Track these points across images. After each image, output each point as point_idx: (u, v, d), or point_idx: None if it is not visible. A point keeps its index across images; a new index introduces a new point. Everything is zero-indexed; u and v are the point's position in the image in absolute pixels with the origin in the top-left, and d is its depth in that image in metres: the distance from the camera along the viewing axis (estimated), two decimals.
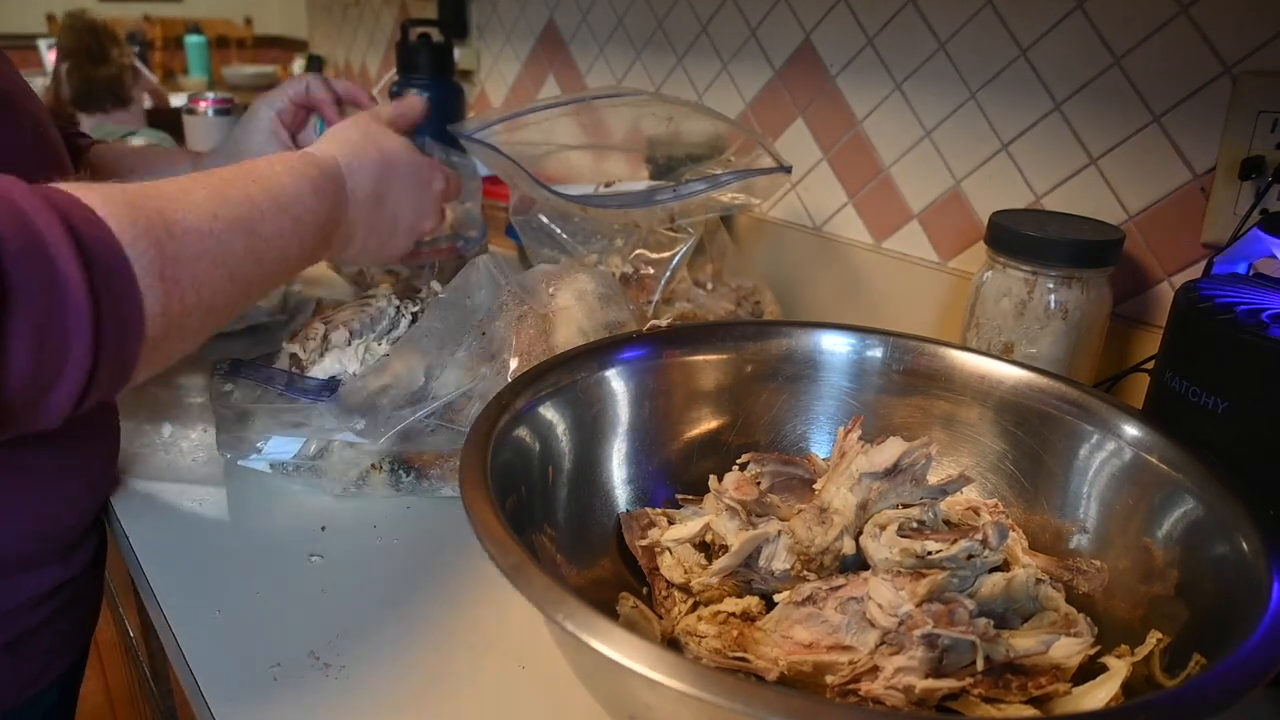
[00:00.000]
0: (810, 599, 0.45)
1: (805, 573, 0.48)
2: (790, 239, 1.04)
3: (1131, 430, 0.51)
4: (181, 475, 0.68)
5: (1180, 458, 0.48)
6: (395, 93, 1.26)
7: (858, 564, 0.48)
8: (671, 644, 0.47)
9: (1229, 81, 0.67)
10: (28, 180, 0.37)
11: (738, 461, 0.55)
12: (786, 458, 0.55)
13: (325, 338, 0.71)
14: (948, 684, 0.40)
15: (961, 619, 0.41)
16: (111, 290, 0.37)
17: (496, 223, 1.16)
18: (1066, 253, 0.67)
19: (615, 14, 1.23)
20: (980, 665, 0.40)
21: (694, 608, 0.49)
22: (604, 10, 1.25)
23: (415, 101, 0.73)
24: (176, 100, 2.38)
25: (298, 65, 2.31)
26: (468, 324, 0.64)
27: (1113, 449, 0.52)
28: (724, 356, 0.61)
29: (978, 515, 0.53)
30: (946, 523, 0.51)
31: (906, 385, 0.60)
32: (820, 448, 0.61)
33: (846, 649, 0.43)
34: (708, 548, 0.53)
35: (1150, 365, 0.63)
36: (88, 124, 2.27)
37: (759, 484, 0.53)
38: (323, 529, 0.62)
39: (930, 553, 0.46)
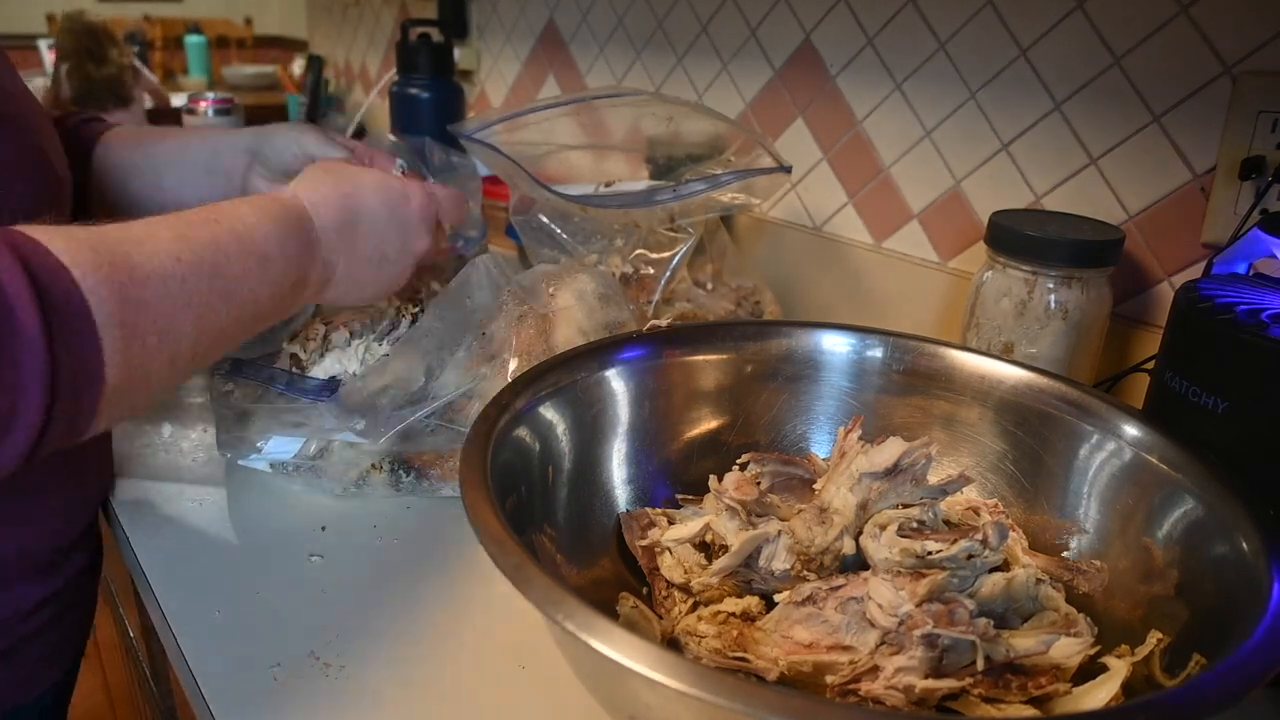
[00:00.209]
0: (810, 599, 0.45)
1: (805, 573, 0.48)
2: (790, 239, 1.04)
3: (1131, 430, 0.51)
4: (181, 475, 0.68)
5: (1180, 458, 0.48)
6: (395, 92, 1.26)
7: (858, 564, 0.48)
8: (671, 644, 0.47)
9: (1229, 81, 0.67)
10: (5, 193, 0.37)
11: (738, 461, 0.55)
12: (786, 458, 0.55)
13: (326, 338, 0.71)
14: (948, 684, 0.40)
15: (961, 619, 0.41)
16: (70, 338, 0.36)
17: (496, 223, 1.16)
18: (1066, 253, 0.67)
19: (615, 14, 1.23)
20: (980, 665, 0.40)
21: (694, 608, 0.49)
22: (604, 10, 1.25)
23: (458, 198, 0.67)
24: (177, 100, 2.39)
25: (298, 65, 2.31)
26: (468, 324, 0.64)
27: (1113, 449, 0.52)
28: (724, 356, 0.61)
29: (978, 515, 0.53)
30: (946, 523, 0.51)
31: (906, 385, 0.60)
32: (820, 448, 0.61)
33: (846, 649, 0.43)
34: (708, 548, 0.53)
35: (1150, 365, 0.63)
36: None
37: (759, 484, 0.53)
38: (323, 529, 0.62)
39: (930, 553, 0.46)
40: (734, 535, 0.49)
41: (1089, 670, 0.43)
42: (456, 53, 1.44)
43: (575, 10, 1.30)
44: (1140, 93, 0.72)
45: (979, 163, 0.85)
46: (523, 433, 0.51)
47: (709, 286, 0.90)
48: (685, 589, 0.50)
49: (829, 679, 0.42)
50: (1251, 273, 0.58)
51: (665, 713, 0.36)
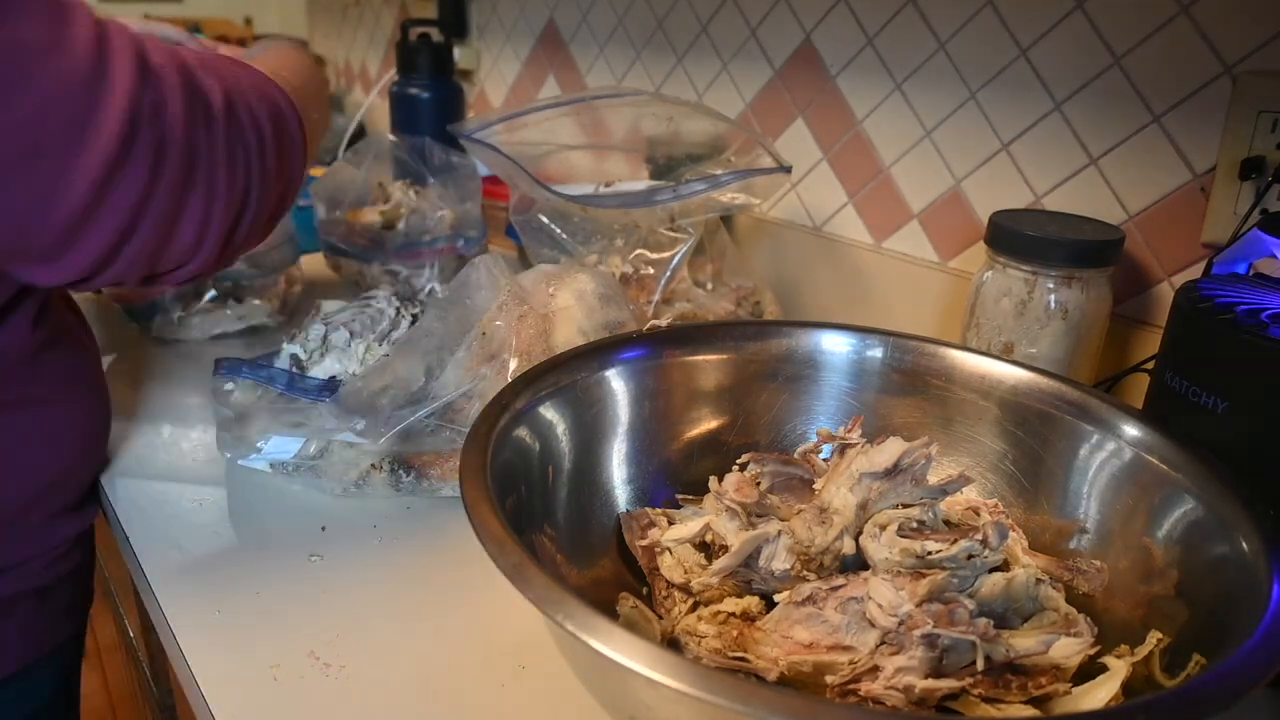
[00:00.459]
0: (810, 599, 0.45)
1: (805, 573, 0.48)
2: (790, 239, 1.04)
3: (1131, 430, 0.51)
4: (181, 475, 0.68)
5: (1180, 458, 0.48)
6: (395, 92, 1.26)
7: (858, 564, 0.48)
8: (671, 644, 0.47)
9: (1229, 81, 0.67)
10: None
11: (738, 462, 0.55)
12: (786, 458, 0.55)
13: (325, 338, 0.71)
14: (948, 684, 0.40)
15: (961, 619, 0.41)
16: (304, 136, 0.59)
17: (496, 223, 1.16)
18: (1066, 253, 0.67)
19: (615, 14, 1.23)
20: (980, 665, 0.40)
21: (694, 608, 0.49)
22: (604, 10, 1.25)
23: None
24: None
25: None
26: (468, 324, 0.64)
27: (1113, 449, 0.52)
28: (724, 356, 0.61)
29: (978, 515, 0.53)
30: (946, 523, 0.51)
31: (906, 385, 0.60)
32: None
33: (846, 649, 0.43)
34: (708, 548, 0.53)
35: (1150, 365, 0.63)
36: None
37: (759, 484, 0.53)
38: (323, 529, 0.62)
39: (930, 553, 0.46)
40: (734, 535, 0.49)
41: (1089, 670, 0.43)
42: (456, 53, 1.44)
43: (575, 10, 1.30)
44: (1140, 93, 0.72)
45: (979, 163, 0.85)
46: (523, 433, 0.51)
47: (709, 286, 0.90)
48: (685, 589, 0.50)
49: (829, 679, 0.42)
50: (1251, 273, 0.58)
51: (665, 713, 0.36)
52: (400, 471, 0.64)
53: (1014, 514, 0.55)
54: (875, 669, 0.41)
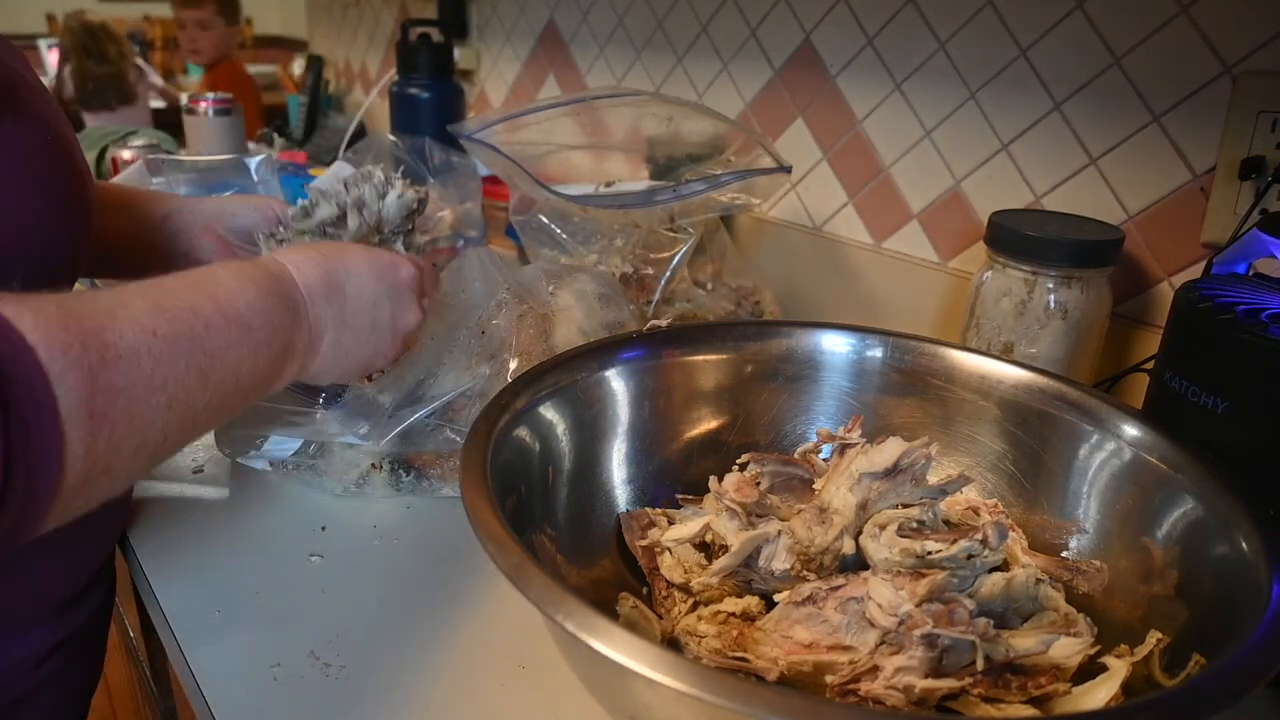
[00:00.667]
0: (810, 599, 0.45)
1: (805, 573, 0.48)
2: (790, 239, 1.04)
3: (1131, 430, 0.51)
4: (182, 475, 0.68)
5: (1180, 458, 0.48)
6: (395, 92, 1.26)
7: (858, 564, 0.48)
8: (671, 644, 0.47)
9: (1229, 81, 0.67)
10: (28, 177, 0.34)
11: (738, 462, 0.55)
12: (786, 458, 0.55)
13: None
14: (948, 684, 0.40)
15: (961, 619, 0.41)
16: (30, 436, 0.33)
17: (496, 223, 1.16)
18: (1066, 253, 0.67)
19: (615, 14, 1.23)
20: (980, 665, 0.40)
21: (694, 608, 0.49)
22: (604, 10, 1.25)
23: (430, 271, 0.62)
24: None
25: (298, 65, 2.31)
26: (466, 322, 0.64)
27: (1113, 449, 0.52)
28: (724, 356, 0.61)
29: (978, 515, 0.53)
30: (946, 523, 0.51)
31: (906, 385, 0.60)
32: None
33: (846, 649, 0.43)
34: (708, 548, 0.53)
35: (1150, 365, 0.63)
36: (90, 123, 2.28)
37: (759, 484, 0.53)
38: (323, 529, 0.62)
39: (930, 553, 0.46)
40: (734, 535, 0.49)
41: (1089, 670, 0.43)
42: (456, 53, 1.44)
43: (575, 10, 1.30)
44: (1140, 93, 0.72)
45: (979, 163, 0.85)
46: (523, 433, 0.51)
47: (709, 286, 0.90)
48: (685, 589, 0.50)
49: (829, 679, 0.42)
50: (1251, 273, 0.58)
51: (665, 713, 0.36)
52: (400, 471, 0.64)
53: (1014, 514, 0.55)
54: (875, 669, 0.41)
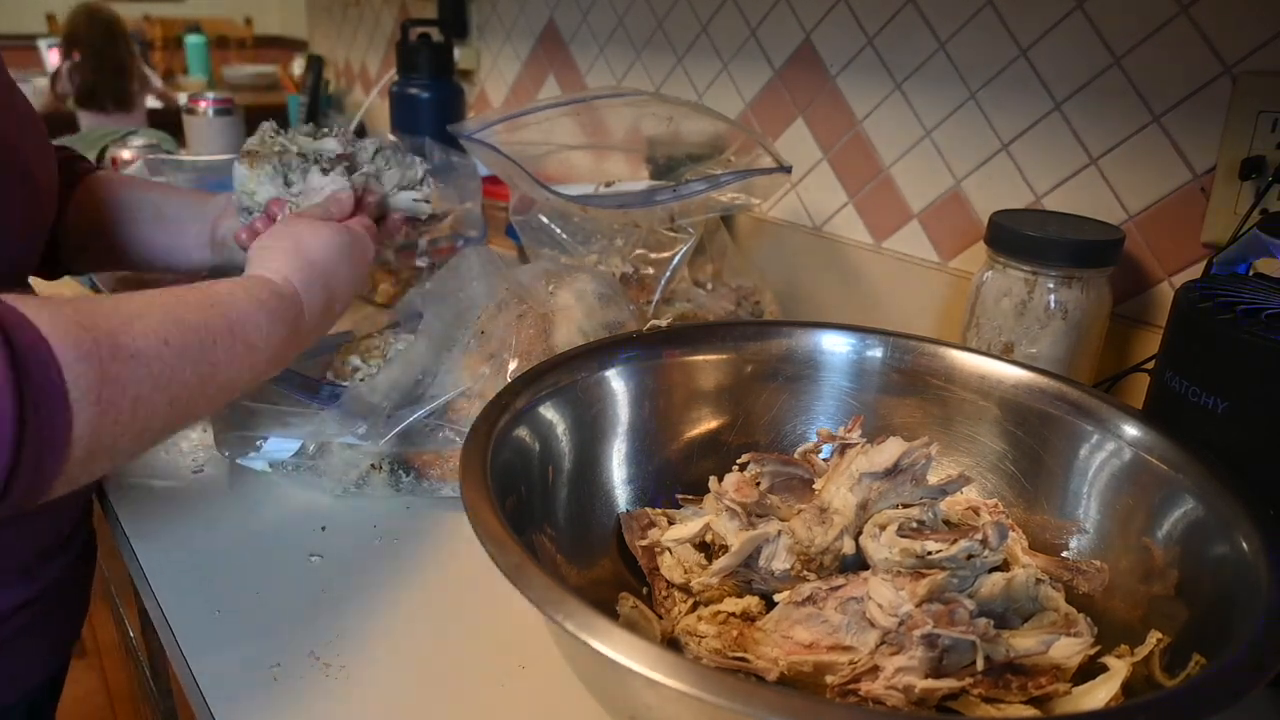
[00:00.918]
0: (810, 599, 0.45)
1: (805, 573, 0.48)
2: (790, 239, 1.04)
3: (1131, 430, 0.51)
4: (181, 475, 0.68)
5: (1180, 458, 0.48)
6: (395, 92, 1.26)
7: (858, 564, 0.48)
8: (671, 644, 0.47)
9: (1229, 81, 0.67)
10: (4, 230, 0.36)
11: (738, 462, 0.55)
12: (786, 458, 0.55)
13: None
14: (948, 684, 0.40)
15: (961, 619, 0.41)
16: (40, 415, 0.37)
17: (496, 223, 1.16)
18: (1066, 253, 0.67)
19: (615, 14, 1.23)
20: (980, 665, 0.40)
21: (694, 608, 0.49)
22: (604, 10, 1.25)
23: (342, 198, 0.67)
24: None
25: (298, 65, 2.31)
26: (466, 322, 0.64)
27: (1113, 449, 0.52)
28: (724, 356, 0.61)
29: (978, 515, 0.53)
30: (946, 523, 0.51)
31: (906, 385, 0.60)
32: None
33: (846, 649, 0.43)
34: (708, 548, 0.53)
35: (1150, 365, 0.63)
36: (88, 122, 2.27)
37: (759, 484, 0.53)
38: (323, 529, 0.62)
39: (930, 553, 0.46)
40: (734, 535, 0.49)
41: (1089, 670, 0.43)
42: (456, 53, 1.44)
43: (575, 10, 1.30)
44: (1140, 93, 0.72)
45: (979, 163, 0.85)
46: (523, 433, 0.51)
47: (709, 286, 0.90)
48: (685, 589, 0.50)
49: (829, 679, 0.42)
50: (1251, 273, 0.58)
51: (665, 713, 0.36)
52: (400, 471, 0.64)
53: (1014, 514, 0.55)
54: (875, 669, 0.41)
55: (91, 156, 1.34)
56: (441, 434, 0.62)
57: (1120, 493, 0.51)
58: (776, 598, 0.47)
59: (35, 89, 2.38)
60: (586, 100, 0.91)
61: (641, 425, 0.58)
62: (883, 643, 0.42)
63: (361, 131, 1.54)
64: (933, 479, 0.50)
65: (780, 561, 0.48)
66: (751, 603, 0.48)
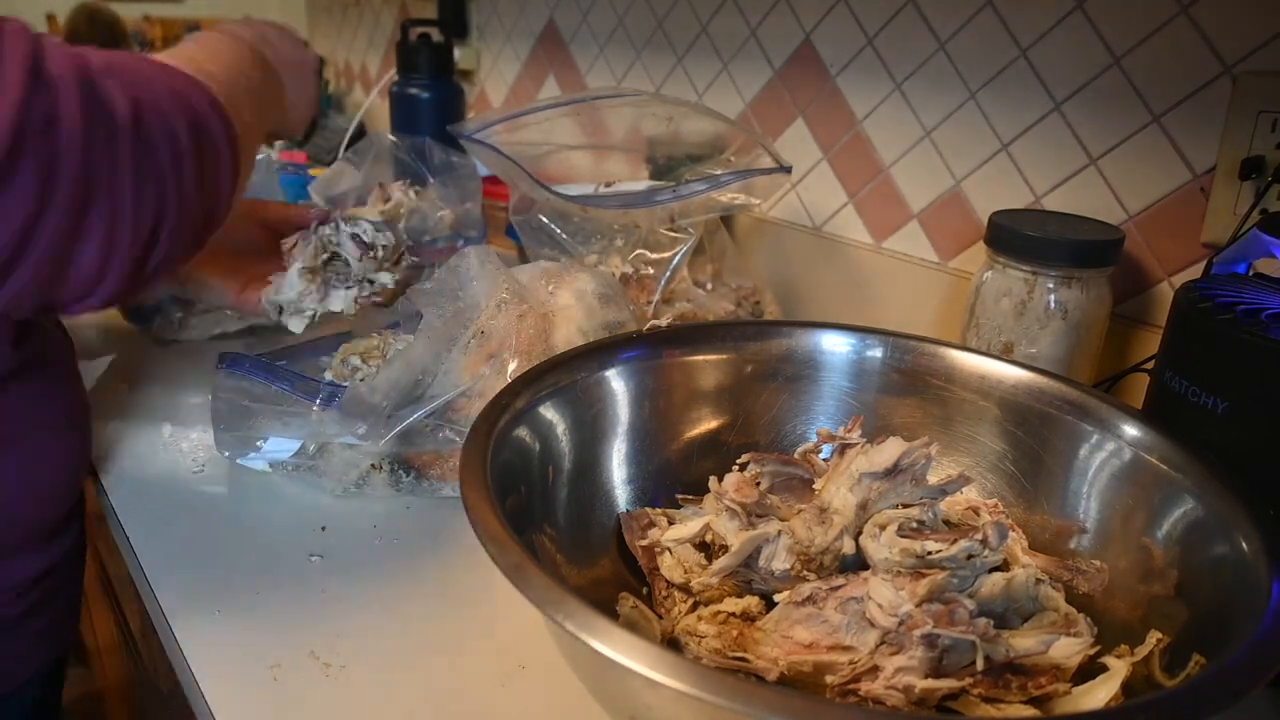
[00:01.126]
0: (810, 599, 0.45)
1: (805, 573, 0.48)
2: (790, 239, 1.04)
3: (1131, 430, 0.51)
4: (181, 475, 0.68)
5: (1180, 458, 0.48)
6: (395, 92, 1.26)
7: (858, 564, 0.48)
8: (671, 644, 0.47)
9: (1229, 81, 0.67)
10: None
11: (738, 461, 0.55)
12: (786, 458, 0.55)
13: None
14: (948, 684, 0.40)
15: (961, 619, 0.41)
16: (239, 178, 0.55)
17: (496, 223, 1.16)
18: (1066, 253, 0.67)
19: (615, 14, 1.23)
20: (980, 665, 0.40)
21: (694, 608, 0.49)
22: (604, 10, 1.25)
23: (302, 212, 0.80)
24: None
25: None
26: (464, 318, 0.64)
27: (1113, 449, 0.52)
28: (724, 356, 0.61)
29: (978, 515, 0.53)
30: (946, 523, 0.51)
31: (906, 385, 0.60)
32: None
33: (846, 649, 0.43)
34: (708, 548, 0.53)
35: (1150, 365, 0.63)
36: None
37: (759, 484, 0.53)
38: (323, 529, 0.62)
39: (930, 553, 0.46)
40: (734, 535, 0.49)
41: (1089, 670, 0.43)
42: (456, 53, 1.44)
43: (575, 10, 1.30)
44: (1140, 93, 0.72)
45: (979, 163, 0.85)
46: (523, 433, 0.51)
47: (709, 286, 0.90)
48: (685, 589, 0.50)
49: (829, 679, 0.42)
50: (1251, 273, 0.58)
51: (665, 713, 0.36)
52: (400, 471, 0.64)
53: (1014, 514, 0.55)
54: (875, 669, 0.41)
55: None
56: (441, 434, 0.62)
57: (1120, 493, 0.51)
58: (776, 598, 0.47)
59: None
60: (586, 100, 0.91)
61: (641, 425, 0.58)
62: (883, 643, 0.42)
63: (361, 133, 1.54)
64: (933, 479, 0.50)
65: (780, 561, 0.48)
66: (751, 603, 0.48)
